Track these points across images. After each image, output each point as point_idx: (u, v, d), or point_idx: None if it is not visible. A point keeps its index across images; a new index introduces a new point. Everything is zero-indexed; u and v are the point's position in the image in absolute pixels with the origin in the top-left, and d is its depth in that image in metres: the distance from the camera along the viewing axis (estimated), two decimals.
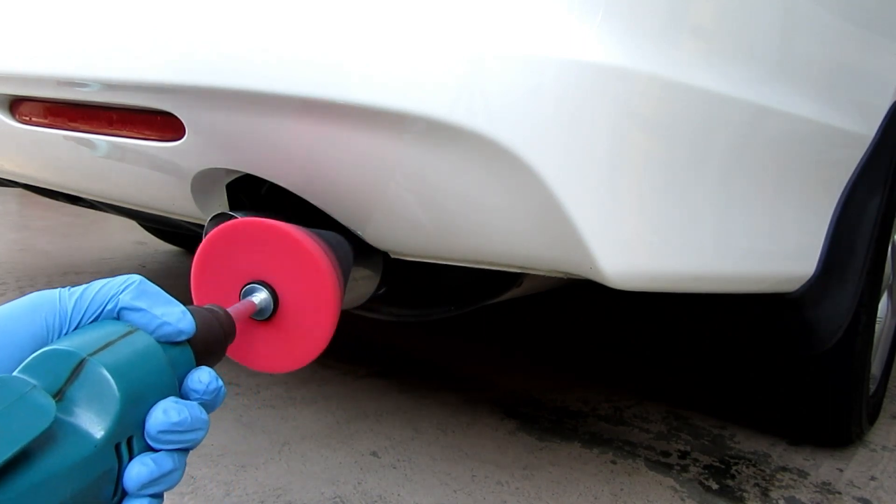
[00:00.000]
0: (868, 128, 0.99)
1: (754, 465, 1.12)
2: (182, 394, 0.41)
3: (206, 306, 0.47)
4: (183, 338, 0.41)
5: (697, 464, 1.11)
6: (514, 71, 0.55)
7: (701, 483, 1.05)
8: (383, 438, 1.09)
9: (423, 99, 0.55)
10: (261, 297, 0.55)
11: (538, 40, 0.55)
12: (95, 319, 0.40)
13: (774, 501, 1.01)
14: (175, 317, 0.41)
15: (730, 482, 1.06)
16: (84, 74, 0.71)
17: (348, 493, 0.92)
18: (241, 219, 0.57)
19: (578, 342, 1.82)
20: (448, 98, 0.55)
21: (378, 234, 0.71)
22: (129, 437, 0.37)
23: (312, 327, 0.56)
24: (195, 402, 0.40)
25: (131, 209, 1.01)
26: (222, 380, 0.43)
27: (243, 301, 0.54)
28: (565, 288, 1.09)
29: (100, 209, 1.28)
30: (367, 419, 1.16)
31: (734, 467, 1.11)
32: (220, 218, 0.73)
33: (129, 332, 0.39)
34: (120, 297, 0.41)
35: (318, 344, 0.56)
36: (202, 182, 0.76)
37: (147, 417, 0.37)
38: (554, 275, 0.69)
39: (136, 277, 0.42)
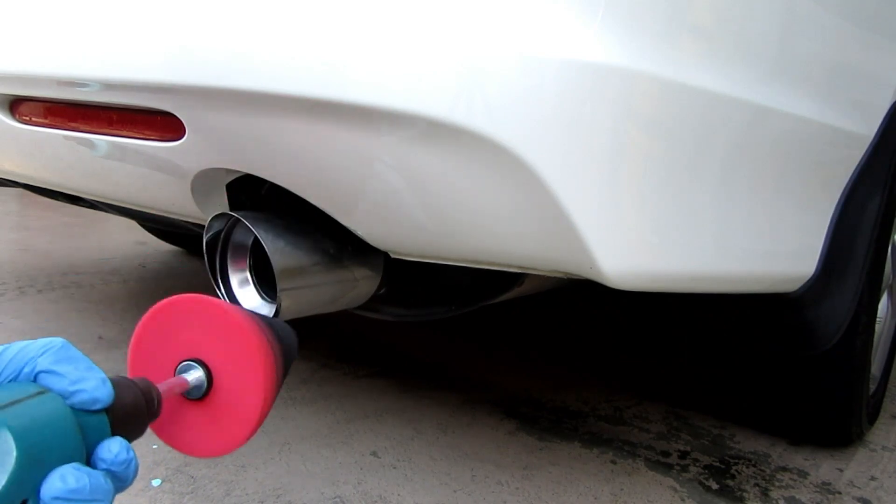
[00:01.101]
0: (868, 128, 0.99)
1: (754, 465, 1.12)
2: (91, 463, 0.40)
3: (133, 378, 0.46)
4: (98, 406, 0.40)
5: (697, 464, 1.11)
6: (514, 71, 0.55)
7: (701, 483, 1.05)
8: (383, 438, 1.09)
9: (423, 99, 0.55)
10: (195, 375, 0.53)
11: (538, 40, 0.55)
12: (12, 381, 0.39)
13: (774, 501, 1.01)
14: (92, 384, 0.40)
15: (730, 482, 1.06)
16: (84, 74, 0.71)
17: (348, 493, 0.92)
18: (181, 296, 0.55)
19: (579, 342, 1.82)
20: (448, 98, 0.55)
21: (378, 234, 0.71)
22: (23, 501, 0.35)
23: (244, 411, 0.54)
24: (100, 472, 0.39)
25: (131, 209, 1.01)
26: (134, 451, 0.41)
27: (176, 378, 0.53)
28: (566, 288, 1.09)
29: (100, 209, 1.28)
30: (367, 419, 1.16)
31: (734, 467, 1.11)
32: (220, 218, 0.73)
33: (40, 393, 0.38)
34: (38, 360, 0.40)
35: (245, 430, 0.54)
36: (202, 182, 0.76)
37: (43, 483, 0.36)
38: (554, 275, 0.69)
39: (59, 341, 0.41)
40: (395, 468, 1.00)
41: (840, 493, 1.05)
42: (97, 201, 1.07)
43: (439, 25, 0.55)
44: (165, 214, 0.92)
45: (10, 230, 2.68)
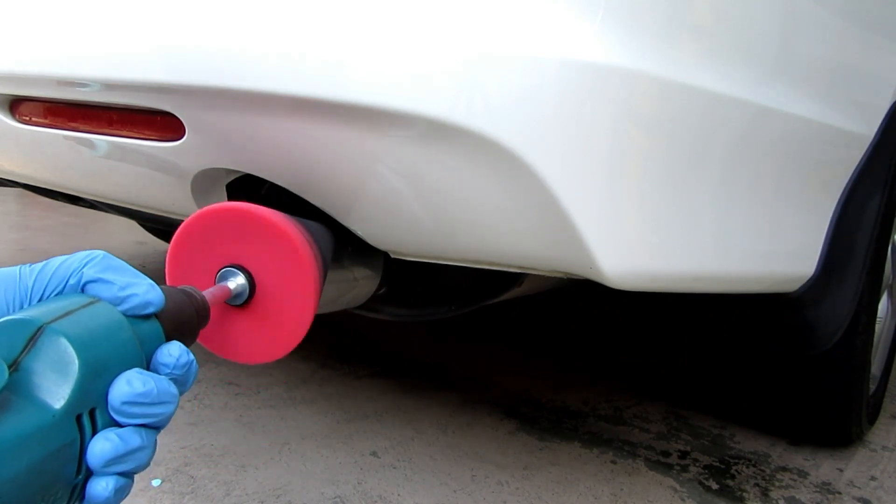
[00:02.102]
0: (868, 128, 0.99)
1: (754, 465, 1.12)
2: (151, 369, 0.39)
3: (178, 287, 0.45)
4: (151, 310, 0.40)
5: (697, 464, 1.11)
6: (515, 71, 0.55)
7: (701, 483, 1.05)
8: (383, 438, 1.09)
9: (424, 99, 0.55)
10: (237, 281, 0.53)
11: (538, 40, 0.55)
12: (59, 294, 0.39)
13: (774, 501, 1.01)
14: (142, 288, 0.39)
15: (730, 482, 1.06)
16: (84, 74, 0.70)
17: (348, 493, 0.92)
18: (219, 204, 0.55)
19: (579, 342, 1.82)
20: (448, 98, 0.55)
21: (378, 233, 0.71)
22: (91, 410, 0.35)
23: (290, 315, 0.53)
24: (163, 376, 0.38)
25: (131, 209, 1.01)
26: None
27: (218, 285, 0.52)
28: (566, 288, 1.09)
29: (100, 209, 1.28)
30: (367, 419, 1.16)
31: (734, 467, 1.11)
32: None
33: (92, 303, 0.38)
34: (83, 270, 0.39)
35: (296, 333, 0.54)
36: (202, 182, 0.76)
37: (110, 388, 0.36)
38: (554, 275, 0.69)
39: (100, 252, 0.40)
40: (395, 468, 1.00)
41: (840, 493, 1.05)
42: (97, 201, 1.07)
43: (439, 25, 0.55)
44: (165, 214, 0.92)
45: (10, 230, 2.68)
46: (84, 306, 0.37)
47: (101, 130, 0.77)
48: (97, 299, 0.38)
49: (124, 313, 0.39)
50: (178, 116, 0.67)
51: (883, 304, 1.33)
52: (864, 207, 1.01)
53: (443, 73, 0.55)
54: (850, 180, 0.98)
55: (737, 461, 1.13)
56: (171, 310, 0.42)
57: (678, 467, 1.09)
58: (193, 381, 0.41)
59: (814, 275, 0.95)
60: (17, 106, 0.86)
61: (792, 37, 0.79)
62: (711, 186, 0.71)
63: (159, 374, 0.39)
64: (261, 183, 0.75)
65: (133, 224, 2.58)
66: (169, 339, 0.41)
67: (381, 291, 0.84)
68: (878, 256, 1.11)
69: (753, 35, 0.72)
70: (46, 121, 0.83)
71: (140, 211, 0.99)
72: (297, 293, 0.53)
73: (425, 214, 0.63)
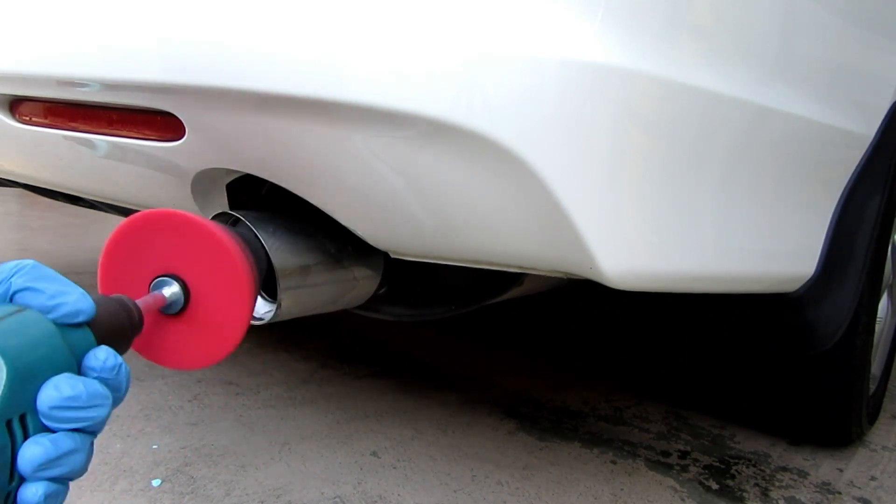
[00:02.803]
0: (868, 128, 0.99)
1: (754, 465, 1.12)
2: (81, 373, 0.39)
3: (111, 296, 0.45)
4: (81, 319, 0.40)
5: (697, 464, 1.11)
6: (515, 71, 0.55)
7: (701, 483, 1.05)
8: (383, 438, 1.09)
9: (423, 99, 0.55)
10: (171, 290, 0.52)
11: (538, 40, 0.55)
12: None
13: (774, 501, 1.01)
14: (73, 297, 0.39)
15: (730, 482, 1.06)
16: (84, 74, 0.70)
17: (348, 493, 0.92)
18: (150, 210, 0.54)
19: (578, 342, 1.82)
20: (448, 98, 0.55)
21: (378, 234, 0.71)
22: (22, 415, 0.35)
23: (224, 323, 0.53)
24: (94, 379, 0.38)
25: (131, 209, 1.01)
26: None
27: (152, 294, 0.52)
28: (566, 288, 1.09)
29: (100, 209, 1.28)
30: (367, 419, 1.16)
31: (734, 467, 1.11)
32: (220, 217, 0.73)
33: (20, 311, 0.37)
34: (12, 280, 0.39)
35: (230, 340, 0.54)
36: (202, 182, 0.76)
37: (38, 394, 0.36)
38: (554, 275, 0.69)
39: (30, 261, 0.40)
40: (395, 468, 1.00)
41: (840, 493, 1.05)
42: (97, 201, 1.07)
43: (439, 25, 0.55)
44: None
45: (10, 230, 2.68)
46: (12, 314, 0.37)
47: (101, 130, 0.77)
48: (26, 307, 0.38)
49: (54, 321, 0.38)
50: (178, 116, 0.67)
51: (883, 304, 1.33)
52: (864, 207, 1.01)
53: (443, 72, 0.55)
54: (850, 180, 0.98)
55: (737, 461, 1.13)
56: (103, 318, 0.42)
57: (678, 467, 1.09)
58: (127, 386, 0.41)
59: (814, 275, 0.95)
60: (17, 106, 0.86)
61: (792, 37, 0.79)
62: (711, 186, 0.71)
63: (89, 377, 0.39)
64: (261, 183, 0.76)
65: None
66: (100, 345, 0.41)
67: (381, 291, 0.84)
68: (878, 256, 1.11)
69: (753, 35, 0.72)
70: (46, 121, 0.83)
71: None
72: (231, 301, 0.53)
73: (425, 214, 0.63)
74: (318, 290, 0.74)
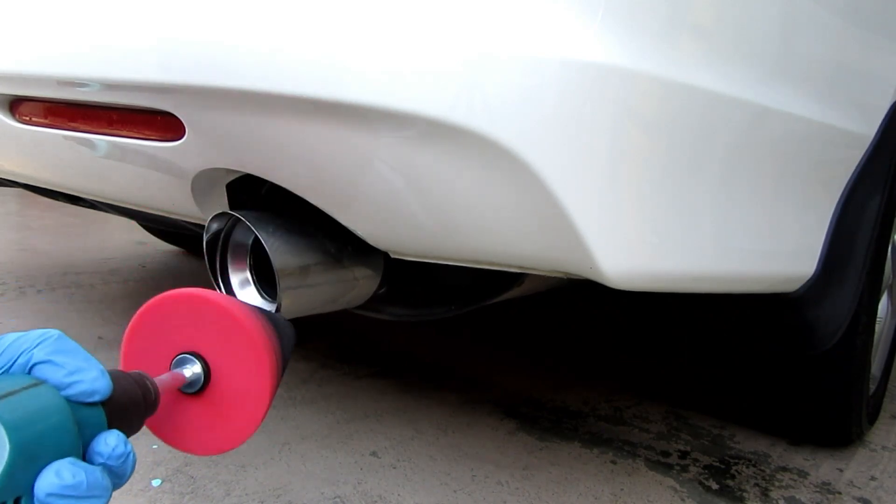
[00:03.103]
0: (868, 128, 0.99)
1: (754, 465, 1.12)
2: (87, 458, 0.38)
3: (130, 372, 0.45)
4: (96, 398, 0.39)
5: (697, 464, 1.11)
6: (515, 71, 0.55)
7: (701, 483, 1.05)
8: (383, 438, 1.09)
9: (423, 99, 0.55)
10: (192, 369, 0.52)
11: (538, 40, 0.55)
12: (5, 373, 0.38)
13: (774, 501, 1.01)
14: (90, 375, 0.39)
15: (730, 482, 1.06)
16: (84, 74, 0.70)
17: (348, 493, 0.92)
18: (177, 290, 0.54)
19: (578, 342, 1.82)
20: (448, 98, 0.55)
21: (378, 233, 0.71)
22: (17, 499, 0.34)
23: (244, 407, 0.52)
24: (97, 467, 0.37)
25: (131, 209, 1.01)
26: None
27: (172, 372, 0.52)
28: (566, 288, 1.09)
29: (100, 209, 1.28)
30: (367, 419, 1.16)
31: (734, 467, 1.11)
32: (220, 217, 0.73)
33: (34, 385, 0.37)
34: (34, 351, 0.38)
35: (249, 426, 0.53)
36: (202, 182, 0.76)
37: (37, 478, 0.34)
38: (554, 275, 0.69)
39: (55, 332, 0.40)
40: (395, 468, 1.00)
41: (840, 493, 1.05)
42: (97, 201, 1.07)
43: (439, 25, 0.55)
44: (165, 214, 0.92)
45: (10, 230, 2.68)
46: (25, 388, 0.36)
47: (101, 130, 0.77)
48: (41, 382, 0.37)
49: (68, 398, 0.38)
50: (178, 116, 0.67)
51: (883, 304, 1.33)
52: (864, 207, 1.01)
53: (443, 72, 0.55)
54: (850, 180, 0.98)
55: (737, 461, 1.13)
56: (119, 397, 0.41)
57: (678, 467, 1.09)
58: (131, 473, 0.41)
59: (814, 275, 0.95)
60: (17, 106, 0.86)
61: (792, 37, 0.78)
62: (711, 186, 0.71)
63: (94, 463, 0.38)
64: (261, 183, 0.75)
65: (133, 224, 2.58)
66: (112, 425, 0.40)
67: (381, 291, 0.84)
68: (878, 256, 1.11)
69: (753, 35, 0.72)
70: (46, 121, 0.83)
71: (140, 211, 0.99)
72: (251, 385, 0.53)
73: (425, 214, 0.63)
74: (318, 290, 0.74)
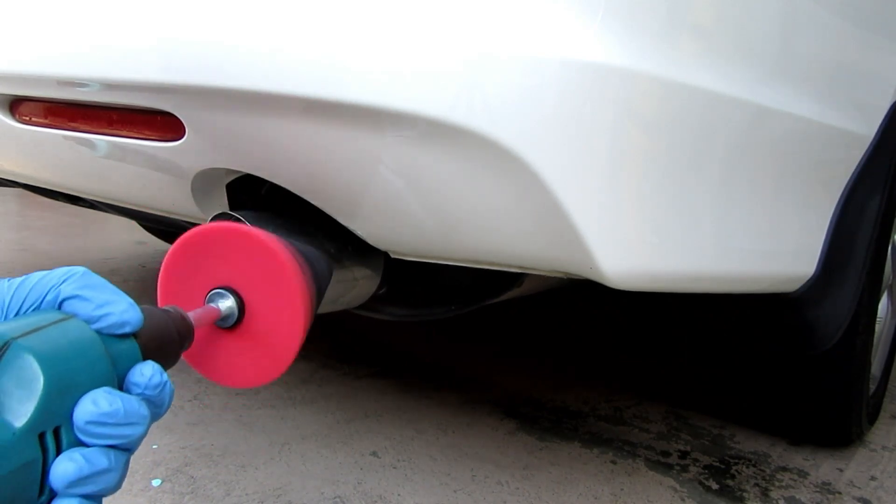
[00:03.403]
0: (868, 128, 0.99)
1: (754, 465, 1.12)
2: (124, 389, 0.38)
3: (163, 307, 0.45)
4: (127, 330, 0.39)
5: (697, 464, 1.11)
6: (515, 71, 0.55)
7: (701, 483, 1.05)
8: (383, 438, 1.09)
9: (424, 99, 0.55)
10: (226, 303, 0.52)
11: (538, 40, 0.55)
12: (35, 310, 0.38)
13: (774, 501, 1.01)
14: (120, 307, 0.39)
15: (730, 482, 1.06)
16: (84, 74, 0.71)
17: (348, 493, 0.92)
18: (213, 223, 0.54)
19: (578, 342, 1.82)
20: (448, 98, 0.55)
21: (378, 233, 0.71)
22: (56, 428, 0.34)
23: (278, 340, 0.53)
24: (134, 396, 0.37)
25: (131, 209, 1.01)
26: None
27: (206, 306, 0.52)
28: (566, 288, 1.09)
29: (100, 209, 1.28)
30: (367, 419, 1.16)
31: (734, 467, 1.11)
32: (220, 217, 0.73)
33: (64, 319, 0.37)
34: (61, 287, 0.38)
35: (284, 358, 0.53)
36: (202, 182, 0.76)
37: (75, 407, 0.35)
38: (554, 275, 0.69)
39: (80, 268, 0.40)
40: (395, 468, 1.00)
41: (840, 493, 1.05)
42: (97, 201, 1.07)
43: (439, 25, 0.55)
44: (165, 214, 0.92)
45: (10, 230, 2.68)
46: (56, 322, 0.36)
47: (101, 130, 0.77)
48: (71, 316, 0.37)
49: (99, 332, 0.38)
50: (178, 116, 0.67)
51: (883, 304, 1.33)
52: (864, 207, 1.01)
53: (443, 73, 0.55)
54: (850, 180, 0.98)
55: (737, 461, 1.13)
56: (152, 330, 0.41)
57: (678, 467, 1.09)
58: (170, 403, 0.40)
59: (814, 275, 0.95)
60: (17, 106, 0.86)
61: (792, 37, 0.79)
62: (711, 186, 0.71)
63: (131, 394, 0.38)
64: (261, 183, 0.75)
65: (133, 224, 2.58)
66: (147, 359, 0.40)
67: (381, 291, 0.84)
68: (878, 256, 1.11)
69: (753, 35, 0.72)
70: (46, 121, 0.83)
71: (140, 211, 0.99)
72: (286, 318, 0.53)
73: (425, 214, 0.63)
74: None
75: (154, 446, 1.00)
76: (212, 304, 0.52)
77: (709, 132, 0.69)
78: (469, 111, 0.55)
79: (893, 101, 1.02)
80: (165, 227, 1.99)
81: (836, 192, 0.96)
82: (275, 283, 0.53)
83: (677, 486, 1.03)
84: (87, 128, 0.78)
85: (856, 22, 0.90)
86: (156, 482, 0.91)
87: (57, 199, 1.33)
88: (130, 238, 2.65)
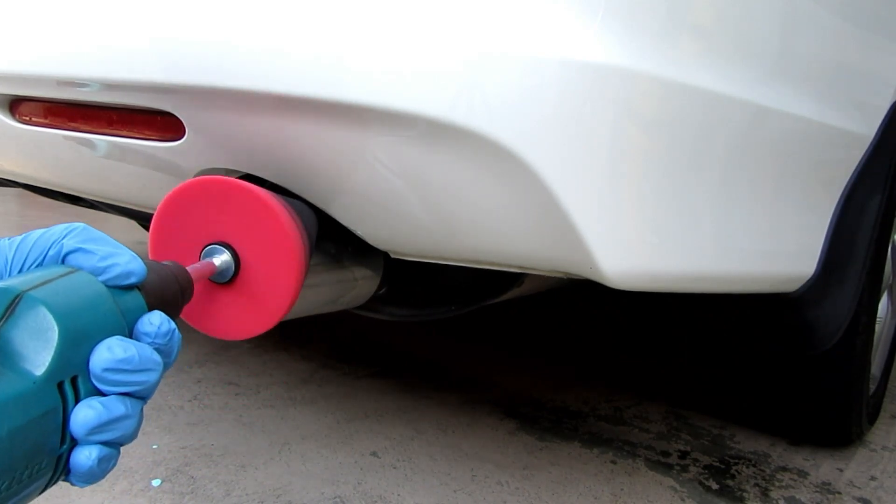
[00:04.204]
0: (868, 128, 0.99)
1: (754, 465, 1.12)
2: (133, 338, 0.39)
3: (162, 262, 0.45)
4: (132, 280, 0.39)
5: (697, 464, 1.11)
6: (515, 71, 0.55)
7: (701, 483, 1.05)
8: (383, 438, 1.09)
9: (424, 99, 0.55)
10: (221, 258, 0.52)
11: (538, 40, 0.55)
12: (39, 266, 0.38)
13: (774, 501, 1.01)
14: (123, 259, 0.39)
15: (730, 482, 1.06)
16: (84, 74, 0.70)
17: (348, 493, 0.92)
18: (203, 177, 0.54)
19: (579, 342, 1.82)
20: (448, 98, 0.55)
21: (378, 234, 0.71)
22: (73, 377, 0.35)
23: (274, 292, 0.53)
24: (146, 344, 0.38)
25: (131, 209, 1.01)
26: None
27: (203, 261, 0.52)
28: (566, 288, 1.09)
29: (100, 209, 1.28)
30: (367, 419, 1.16)
31: (734, 467, 1.11)
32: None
33: (71, 272, 0.37)
34: (63, 241, 0.39)
35: (279, 310, 0.53)
36: None
37: (91, 355, 0.35)
38: (554, 275, 0.69)
39: (80, 224, 0.40)
40: (395, 468, 1.00)
41: (840, 493, 1.05)
42: (97, 201, 1.07)
43: (439, 26, 0.55)
44: None
45: (10, 230, 2.68)
46: (63, 275, 0.37)
47: (101, 130, 0.77)
48: (77, 269, 0.38)
49: (105, 283, 0.38)
50: (178, 116, 0.67)
51: (883, 304, 1.33)
52: (864, 207, 1.01)
53: (443, 73, 0.55)
54: (850, 180, 0.98)
55: (737, 461, 1.13)
56: (154, 282, 0.42)
57: (678, 467, 1.09)
58: (178, 351, 0.41)
59: (814, 275, 0.95)
60: (17, 106, 0.86)
61: (792, 37, 0.78)
62: (711, 186, 0.71)
63: (142, 342, 0.39)
64: (261, 183, 0.75)
65: (133, 224, 2.58)
66: (151, 310, 0.41)
67: (381, 291, 0.84)
68: (878, 256, 1.11)
69: (753, 35, 0.72)
70: (46, 121, 0.83)
71: (140, 211, 0.99)
72: (281, 271, 0.53)
73: (425, 214, 0.63)
74: (318, 291, 0.74)
75: (154, 446, 1.00)
76: (207, 259, 0.52)
77: (709, 132, 0.69)
78: (469, 111, 0.55)
79: (893, 101, 1.02)
80: None
81: (836, 192, 0.96)
82: (270, 236, 0.52)
83: (677, 486, 1.03)
84: (87, 128, 0.78)
85: (856, 22, 0.90)
86: (156, 482, 0.91)
87: (57, 199, 1.33)
88: (130, 238, 2.65)
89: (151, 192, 0.85)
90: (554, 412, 1.27)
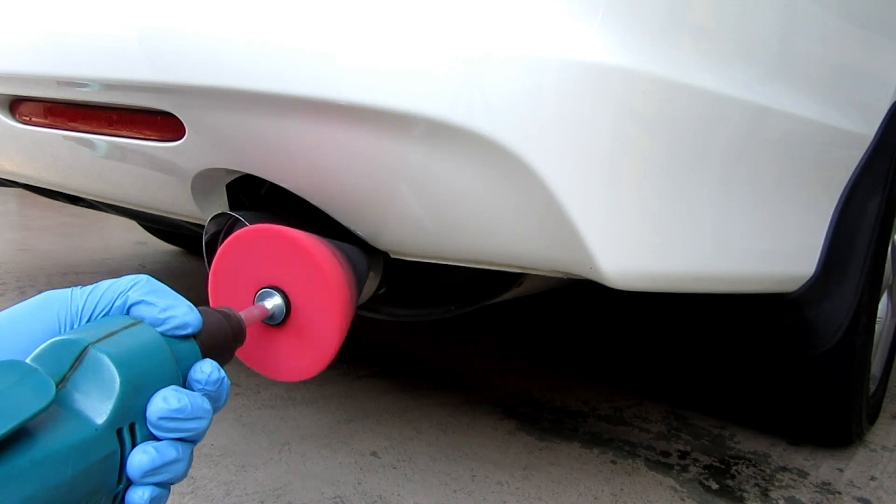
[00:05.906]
0: (868, 128, 0.99)
1: (754, 465, 1.12)
2: (186, 386, 0.42)
3: (216, 308, 0.48)
4: (189, 331, 0.43)
5: (697, 464, 1.11)
6: (515, 71, 0.55)
7: (701, 483, 1.05)
8: (383, 438, 1.09)
9: (423, 99, 0.55)
10: (273, 302, 0.56)
11: (538, 40, 0.55)
12: (105, 315, 0.42)
13: (774, 501, 1.01)
14: (181, 310, 0.43)
15: (730, 482, 1.06)
16: (84, 74, 0.70)
17: (348, 493, 0.92)
18: (256, 225, 0.58)
19: (578, 342, 1.82)
20: (448, 98, 0.55)
21: (378, 234, 0.71)
22: (131, 424, 0.38)
23: (322, 334, 0.56)
24: (198, 393, 0.41)
25: (131, 209, 1.01)
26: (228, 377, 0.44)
27: (256, 305, 0.55)
28: (566, 288, 1.09)
29: (100, 209, 1.28)
30: (367, 419, 1.16)
31: (734, 467, 1.11)
32: (220, 218, 0.73)
33: (133, 324, 0.41)
34: (129, 293, 0.42)
35: (327, 351, 0.57)
36: (202, 182, 0.76)
37: (148, 405, 0.39)
38: (554, 275, 0.69)
39: (145, 276, 0.44)
40: (395, 468, 1.00)
41: (840, 493, 1.05)
42: (97, 201, 1.07)
43: (439, 25, 0.55)
44: (165, 214, 0.92)
45: (10, 230, 2.68)
46: (126, 327, 0.40)
47: (101, 130, 0.77)
48: (139, 321, 0.41)
49: (164, 333, 0.42)
50: (178, 116, 0.67)
51: (883, 304, 1.33)
52: (863, 207, 1.01)
53: (443, 73, 0.55)
54: (850, 180, 0.98)
55: (737, 461, 1.13)
56: (209, 330, 0.45)
57: (678, 467, 1.09)
58: (227, 397, 0.45)
59: (814, 275, 0.95)
60: (17, 106, 0.86)
61: (792, 37, 0.78)
62: (711, 186, 0.71)
63: (193, 390, 0.42)
64: (261, 183, 0.75)
65: (133, 224, 2.58)
66: (205, 357, 0.44)
67: (381, 291, 0.84)
68: (878, 256, 1.11)
69: (753, 35, 0.72)
70: (46, 121, 0.83)
71: (140, 211, 0.99)
72: (327, 314, 0.56)
73: (425, 215, 0.63)
74: None
75: None
76: (260, 303, 0.56)
77: (709, 132, 0.69)
78: (469, 111, 0.55)
79: (893, 101, 1.02)
80: (165, 227, 1.99)
81: (836, 193, 0.96)
82: (315, 283, 0.56)
83: (677, 486, 1.03)
84: (87, 128, 0.78)
85: (856, 22, 0.90)
86: None
87: (57, 199, 1.33)
88: (130, 238, 2.65)
89: (151, 192, 0.85)
90: (554, 412, 1.27)
